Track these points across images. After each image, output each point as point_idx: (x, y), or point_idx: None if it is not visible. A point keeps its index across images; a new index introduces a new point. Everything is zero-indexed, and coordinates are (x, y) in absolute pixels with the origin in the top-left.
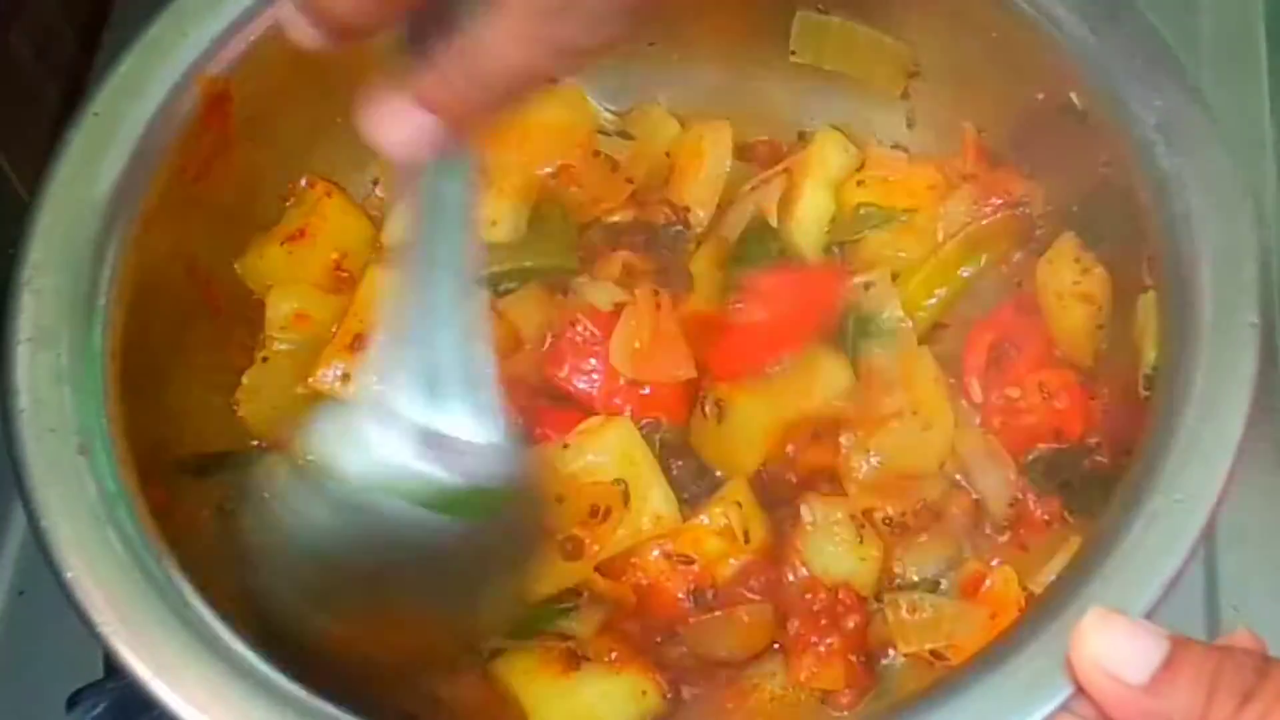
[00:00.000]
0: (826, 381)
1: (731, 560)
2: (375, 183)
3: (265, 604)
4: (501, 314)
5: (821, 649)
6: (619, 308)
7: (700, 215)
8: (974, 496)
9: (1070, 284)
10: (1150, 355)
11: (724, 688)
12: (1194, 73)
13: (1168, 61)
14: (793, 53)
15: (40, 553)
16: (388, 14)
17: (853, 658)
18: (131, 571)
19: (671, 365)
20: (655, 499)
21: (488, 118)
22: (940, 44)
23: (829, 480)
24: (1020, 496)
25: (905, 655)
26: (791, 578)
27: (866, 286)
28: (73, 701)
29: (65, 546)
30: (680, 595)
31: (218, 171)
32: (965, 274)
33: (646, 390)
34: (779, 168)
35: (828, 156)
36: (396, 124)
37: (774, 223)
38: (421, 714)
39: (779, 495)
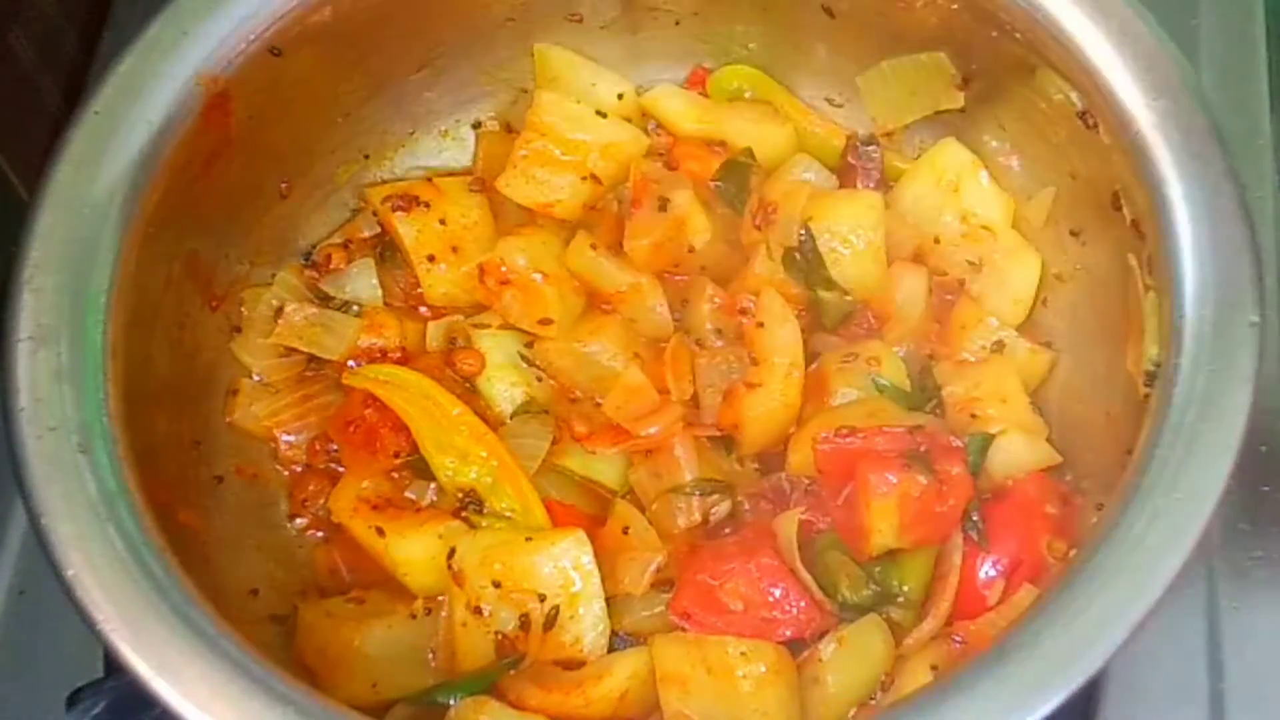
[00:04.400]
0: None
1: None
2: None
3: None
4: None
5: None
6: None
7: None
8: None
9: None
10: (1151, 354)
11: None
12: (1194, 73)
13: (1168, 62)
14: None
15: (40, 551)
16: None
17: None
18: (131, 570)
19: None
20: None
21: None
22: None
23: None
24: None
25: None
26: None
27: None
28: (72, 700)
29: (65, 544)
30: None
31: (218, 171)
32: None
33: None
34: None
35: None
36: None
37: None
38: None
39: None
